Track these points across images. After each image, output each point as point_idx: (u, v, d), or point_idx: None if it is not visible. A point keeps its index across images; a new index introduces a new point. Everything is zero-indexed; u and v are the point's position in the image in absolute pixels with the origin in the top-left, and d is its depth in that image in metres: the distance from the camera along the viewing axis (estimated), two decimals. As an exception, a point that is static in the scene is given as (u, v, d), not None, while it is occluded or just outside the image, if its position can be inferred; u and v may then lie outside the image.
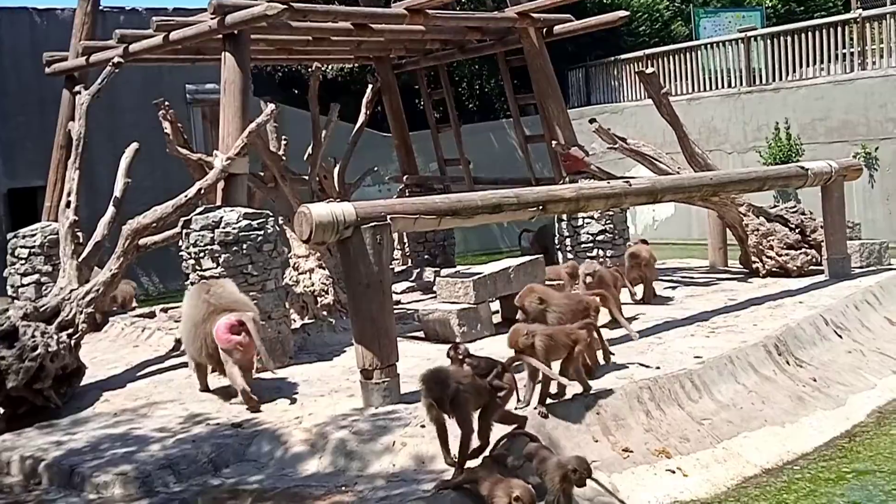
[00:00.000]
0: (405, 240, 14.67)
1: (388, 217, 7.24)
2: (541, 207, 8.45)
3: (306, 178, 11.47)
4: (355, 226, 7.02)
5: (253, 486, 6.24)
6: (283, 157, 11.08)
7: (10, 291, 11.00)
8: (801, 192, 15.46)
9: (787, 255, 11.36)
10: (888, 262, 11.81)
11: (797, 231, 11.54)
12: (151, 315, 11.86)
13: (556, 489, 5.53)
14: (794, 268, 11.28)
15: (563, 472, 5.52)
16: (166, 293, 16.53)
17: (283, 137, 11.13)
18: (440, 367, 6.03)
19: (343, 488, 6.06)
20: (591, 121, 11.99)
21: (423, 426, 6.67)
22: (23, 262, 10.97)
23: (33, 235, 11.03)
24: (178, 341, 9.82)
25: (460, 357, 6.59)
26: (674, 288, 11.46)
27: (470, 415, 5.85)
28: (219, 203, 9.08)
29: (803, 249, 11.41)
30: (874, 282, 10.42)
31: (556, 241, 12.12)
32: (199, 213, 8.72)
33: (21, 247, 11.04)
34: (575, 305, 7.73)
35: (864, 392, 7.88)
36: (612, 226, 11.64)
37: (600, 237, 11.64)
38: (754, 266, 11.68)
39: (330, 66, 20.65)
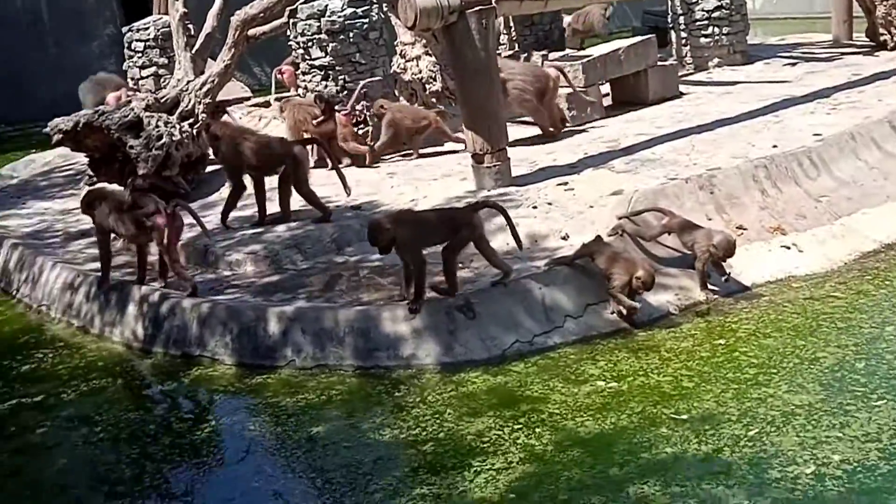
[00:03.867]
0: (511, 24, 14.29)
1: (494, 0, 7.08)
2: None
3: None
4: (460, 10, 6.91)
5: (374, 263, 6.54)
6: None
7: (130, 84, 11.32)
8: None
9: (919, 25, 10.69)
10: None
11: (932, -1, 10.79)
12: (266, 105, 12.10)
13: (705, 257, 5.89)
14: (927, 39, 10.65)
15: (709, 244, 5.87)
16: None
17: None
18: None
19: (459, 265, 6.28)
20: None
21: (535, 207, 6.82)
22: (139, 55, 11.22)
23: (146, 29, 11.21)
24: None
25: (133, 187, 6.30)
26: (794, 65, 10.99)
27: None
28: (323, -10, 9.00)
29: (939, 19, 10.71)
30: None
31: (669, 20, 11.64)
32: (305, 2, 8.69)
33: (136, 40, 11.25)
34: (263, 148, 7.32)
35: None
36: (728, 1, 11.07)
37: (716, 14, 11.11)
38: (882, 39, 11.06)
39: None
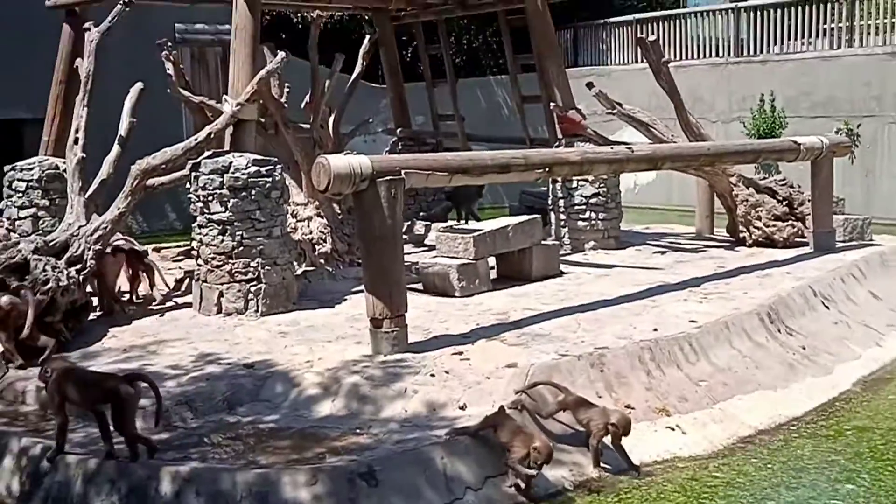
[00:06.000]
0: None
1: (403, 172, 7.38)
2: (547, 169, 8.63)
3: (304, 126, 11.50)
4: (371, 179, 7.15)
5: (269, 425, 6.42)
6: (285, 105, 11.11)
7: (6, 224, 10.96)
8: (781, 165, 15.77)
9: (774, 226, 11.67)
10: (870, 237, 12.17)
11: (785, 203, 11.84)
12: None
13: (600, 434, 6.11)
14: (781, 239, 11.60)
15: (605, 421, 6.11)
16: (150, 233, 16.54)
17: (287, 85, 11.15)
18: None
19: (358, 430, 6.26)
20: (589, 85, 12.11)
21: (432, 375, 6.90)
22: (20, 195, 10.90)
23: (31, 169, 10.97)
24: (179, 281, 9.96)
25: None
26: (663, 253, 11.74)
27: None
28: (227, 148, 9.13)
29: (790, 221, 11.72)
30: (859, 256, 10.77)
31: (550, 202, 12.30)
32: (209, 157, 8.78)
33: (18, 180, 10.96)
34: None
35: (849, 362, 8.21)
36: (605, 189, 11.84)
37: (593, 200, 11.84)
38: (741, 235, 11.98)
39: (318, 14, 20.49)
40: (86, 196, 8.85)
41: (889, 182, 16.84)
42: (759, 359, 7.80)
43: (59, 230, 8.64)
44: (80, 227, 8.45)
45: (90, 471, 5.62)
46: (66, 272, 7.90)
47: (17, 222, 10.88)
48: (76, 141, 9.27)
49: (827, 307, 9.12)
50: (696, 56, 20.25)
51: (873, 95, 16.93)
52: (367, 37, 13.36)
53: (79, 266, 8.14)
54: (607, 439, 6.20)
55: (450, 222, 13.31)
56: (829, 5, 17.99)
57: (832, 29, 18.01)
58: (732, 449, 6.57)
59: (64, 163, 10.00)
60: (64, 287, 7.79)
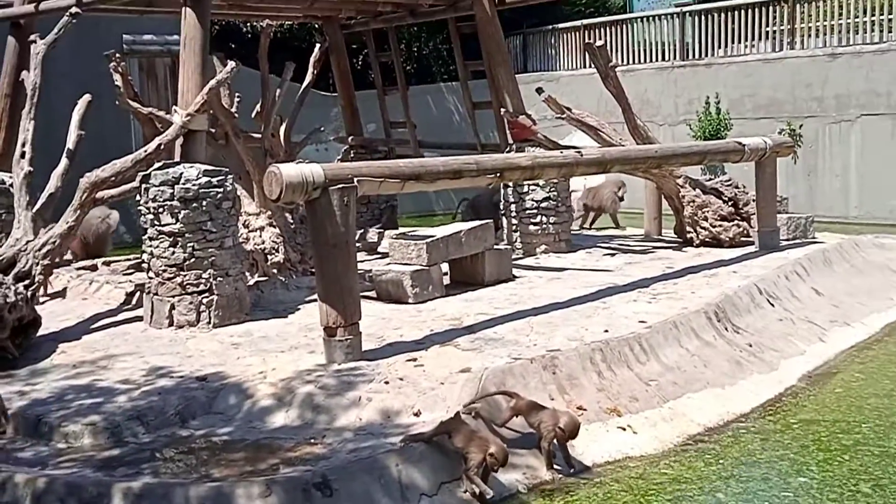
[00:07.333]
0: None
1: (355, 179, 7.41)
2: (498, 174, 8.72)
3: (255, 135, 11.48)
4: (323, 187, 7.17)
5: (223, 437, 6.41)
6: (236, 115, 11.06)
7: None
8: (726, 166, 16.06)
9: (720, 226, 11.89)
10: (812, 235, 12.47)
11: (730, 204, 12.07)
12: (93, 268, 11.81)
13: (551, 437, 6.16)
14: (727, 239, 11.83)
15: (555, 423, 6.14)
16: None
17: (237, 94, 11.11)
18: None
19: (312, 440, 6.27)
20: (539, 90, 12.24)
21: (386, 382, 6.94)
22: (-37, 210, 10.75)
23: (-26, 184, 10.81)
24: (129, 295, 9.88)
25: None
26: (612, 255, 11.90)
27: None
28: (177, 159, 9.09)
29: (736, 221, 11.95)
30: (802, 254, 11.03)
31: (501, 207, 12.40)
32: (159, 169, 8.73)
33: (-37, 195, 10.80)
34: None
35: (794, 357, 8.40)
36: (555, 193, 11.98)
37: (544, 204, 11.97)
38: (688, 236, 12.19)
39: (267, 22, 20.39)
40: (33, 210, 8.75)
41: (830, 181, 17.23)
42: (708, 357, 7.95)
43: (5, 245, 8.53)
44: (27, 242, 8.36)
45: (39, 489, 5.55)
46: (13, 288, 7.81)
47: (-38, 238, 10.68)
48: (23, 155, 9.16)
49: (772, 304, 9.32)
50: (642, 60, 20.55)
51: (814, 96, 17.32)
52: (318, 45, 13.35)
53: (27, 282, 8.05)
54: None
55: (400, 228, 13.34)
56: (771, 8, 18.38)
57: (774, 31, 18.39)
58: (683, 447, 6.68)
59: (10, 177, 9.89)
60: (11, 303, 7.70)
